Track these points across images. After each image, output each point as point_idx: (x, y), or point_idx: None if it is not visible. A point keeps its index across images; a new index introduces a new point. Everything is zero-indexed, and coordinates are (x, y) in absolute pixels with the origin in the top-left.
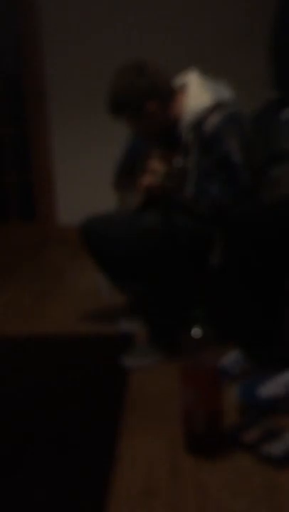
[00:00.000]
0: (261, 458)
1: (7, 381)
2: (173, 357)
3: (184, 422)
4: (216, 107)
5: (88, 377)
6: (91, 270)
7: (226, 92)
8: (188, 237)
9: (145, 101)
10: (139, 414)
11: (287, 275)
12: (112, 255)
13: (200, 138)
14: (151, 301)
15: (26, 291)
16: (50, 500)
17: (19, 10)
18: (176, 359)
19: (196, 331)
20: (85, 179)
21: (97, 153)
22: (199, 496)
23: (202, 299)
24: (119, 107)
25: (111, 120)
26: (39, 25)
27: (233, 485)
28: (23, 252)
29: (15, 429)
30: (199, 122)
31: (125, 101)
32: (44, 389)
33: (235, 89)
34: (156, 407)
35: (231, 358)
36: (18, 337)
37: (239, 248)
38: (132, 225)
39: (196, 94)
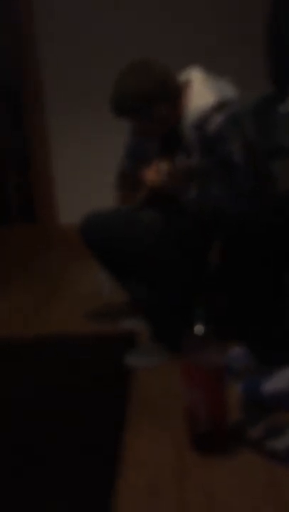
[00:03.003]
0: (266, 454)
1: (11, 382)
2: (176, 355)
3: (187, 421)
4: (220, 106)
5: (92, 378)
6: (93, 270)
7: (229, 90)
8: (187, 235)
9: (155, 104)
10: (144, 414)
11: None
12: (111, 251)
13: (203, 137)
14: (152, 299)
15: (28, 292)
16: (55, 501)
17: (17, 19)
18: (179, 357)
19: (199, 329)
20: (85, 180)
21: (96, 153)
22: (205, 494)
23: (204, 297)
24: (127, 111)
25: (110, 121)
26: (37, 33)
27: (239, 482)
28: (24, 253)
29: (19, 431)
30: (202, 122)
31: (134, 105)
32: (48, 390)
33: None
34: (160, 407)
35: (234, 354)
36: (21, 338)
37: (239, 246)
38: (131, 221)
39: (200, 92)
